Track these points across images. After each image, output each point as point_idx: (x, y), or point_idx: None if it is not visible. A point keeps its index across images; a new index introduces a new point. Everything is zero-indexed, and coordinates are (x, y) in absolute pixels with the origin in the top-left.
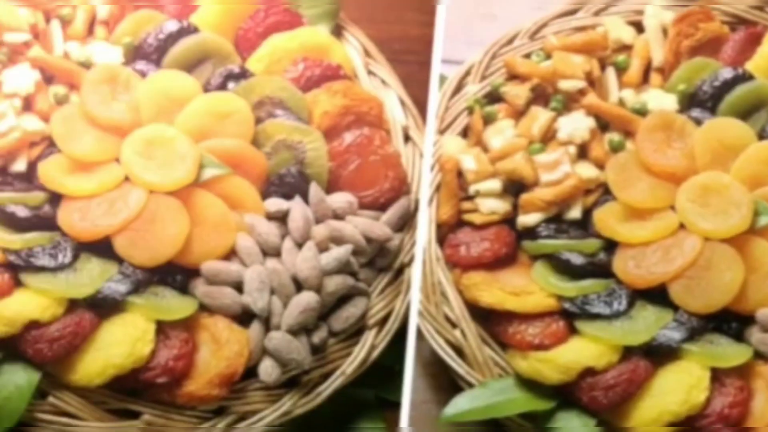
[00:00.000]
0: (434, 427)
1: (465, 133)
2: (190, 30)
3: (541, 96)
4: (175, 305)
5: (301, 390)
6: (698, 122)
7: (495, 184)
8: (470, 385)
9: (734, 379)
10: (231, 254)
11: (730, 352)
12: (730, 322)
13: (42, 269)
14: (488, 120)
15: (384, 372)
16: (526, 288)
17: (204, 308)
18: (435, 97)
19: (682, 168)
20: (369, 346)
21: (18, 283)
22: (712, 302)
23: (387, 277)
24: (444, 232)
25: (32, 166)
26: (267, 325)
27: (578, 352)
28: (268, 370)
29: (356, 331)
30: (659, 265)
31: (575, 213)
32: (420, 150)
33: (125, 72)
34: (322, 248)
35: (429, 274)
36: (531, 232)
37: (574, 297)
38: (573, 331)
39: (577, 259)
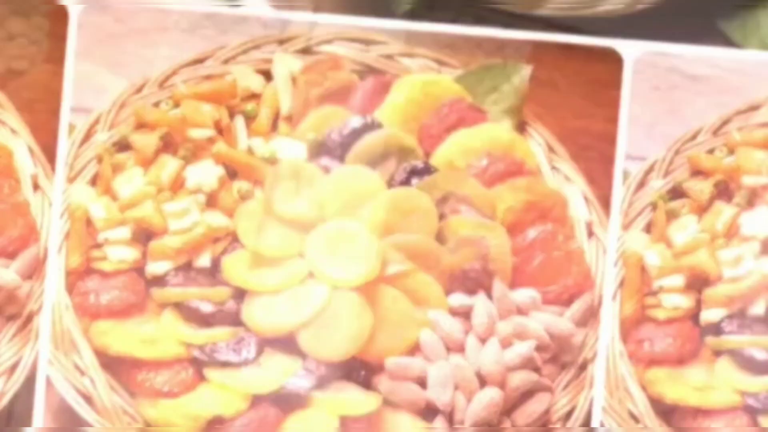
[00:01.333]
0: None
1: (649, 228)
2: (374, 125)
3: (724, 191)
4: (358, 400)
5: None
6: None
7: (678, 280)
8: None
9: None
10: (415, 349)
11: None
12: None
13: (226, 364)
14: (672, 216)
15: None
16: (710, 383)
17: (388, 403)
18: (618, 193)
19: None
20: None
21: (202, 379)
22: None
23: (570, 372)
24: (627, 327)
25: (216, 261)
26: (451, 420)
27: None
28: None
29: (540, 427)
30: None
31: (759, 309)
32: (603, 245)
33: (309, 168)
34: (506, 344)
35: (612, 370)
36: (715, 328)
37: (759, 392)
38: None
39: (760, 355)
